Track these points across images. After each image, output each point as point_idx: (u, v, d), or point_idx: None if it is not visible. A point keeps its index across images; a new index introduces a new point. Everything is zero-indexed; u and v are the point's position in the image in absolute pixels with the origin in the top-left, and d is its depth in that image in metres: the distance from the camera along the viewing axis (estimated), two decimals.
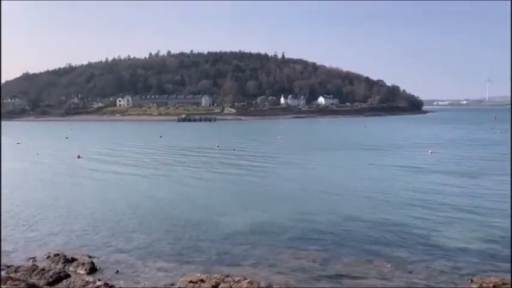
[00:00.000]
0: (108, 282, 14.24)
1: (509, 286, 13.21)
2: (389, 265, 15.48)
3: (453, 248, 17.19)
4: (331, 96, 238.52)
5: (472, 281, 13.88)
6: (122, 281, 14.57)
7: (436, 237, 18.57)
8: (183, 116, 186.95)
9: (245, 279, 14.36)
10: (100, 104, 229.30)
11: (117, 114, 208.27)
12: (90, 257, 16.67)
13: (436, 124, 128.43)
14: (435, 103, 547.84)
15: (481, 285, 13.50)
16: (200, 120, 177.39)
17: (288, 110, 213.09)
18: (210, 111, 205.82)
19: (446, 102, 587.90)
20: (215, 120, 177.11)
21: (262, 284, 14.14)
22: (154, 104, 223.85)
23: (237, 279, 14.36)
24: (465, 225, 20.30)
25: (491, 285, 13.43)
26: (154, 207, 25.07)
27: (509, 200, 24.28)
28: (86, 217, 22.97)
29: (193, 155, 53.02)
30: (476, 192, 27.63)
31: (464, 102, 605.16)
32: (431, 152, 50.39)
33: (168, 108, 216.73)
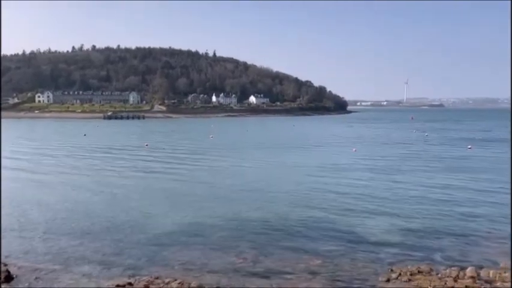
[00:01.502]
0: None
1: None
2: (316, 260, 16.05)
3: (375, 240, 18.25)
4: (262, 95, 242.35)
5: (392, 270, 14.84)
6: None
7: (360, 230, 19.59)
8: (109, 114, 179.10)
9: (175, 280, 14.12)
10: (16, 100, 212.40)
11: (36, 111, 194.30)
12: (5, 265, 15.38)
13: (359, 123, 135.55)
14: (359, 103, 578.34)
15: (400, 273, 14.49)
16: (128, 117, 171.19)
17: (219, 109, 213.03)
18: (138, 109, 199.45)
19: (368, 103, 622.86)
20: (144, 118, 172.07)
21: (193, 284, 13.99)
22: (78, 101, 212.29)
23: (166, 280, 14.07)
24: (385, 218, 21.62)
25: (408, 273, 14.48)
26: (75, 210, 23.73)
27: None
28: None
29: (120, 154, 51.04)
30: (396, 188, 29.55)
31: (385, 103, 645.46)
32: (355, 150, 53.07)
33: (93, 105, 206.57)
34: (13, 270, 14.90)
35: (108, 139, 73.75)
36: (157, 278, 14.34)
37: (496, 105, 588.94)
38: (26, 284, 13.92)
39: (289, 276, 14.61)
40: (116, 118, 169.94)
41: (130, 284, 13.71)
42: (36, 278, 14.45)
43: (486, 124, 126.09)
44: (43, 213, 22.91)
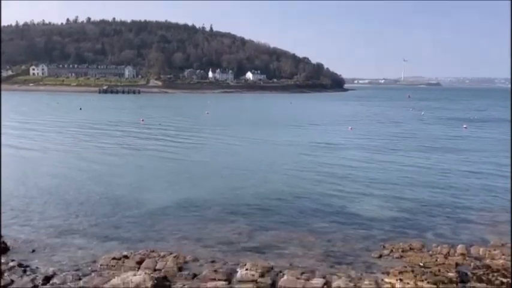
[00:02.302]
0: (23, 262, 13.40)
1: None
2: (310, 236, 16.27)
3: (368, 217, 18.48)
4: (258, 72, 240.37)
5: (384, 247, 15.09)
6: (37, 260, 13.76)
7: (353, 208, 19.82)
8: (104, 88, 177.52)
9: (171, 253, 14.30)
10: (10, 73, 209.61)
11: (31, 84, 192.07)
12: (0, 236, 15.49)
13: (356, 101, 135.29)
14: (356, 81, 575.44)
15: (392, 250, 14.74)
16: (123, 92, 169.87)
17: (216, 85, 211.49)
18: (134, 83, 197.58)
19: (366, 81, 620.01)
20: (139, 92, 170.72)
21: (188, 257, 14.18)
22: (73, 74, 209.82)
23: (162, 254, 14.25)
24: (379, 196, 21.86)
25: (400, 250, 14.74)
26: (72, 184, 23.80)
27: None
28: None
29: (116, 129, 50.88)
30: (390, 167, 29.75)
31: (382, 81, 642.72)
32: (350, 128, 53.15)
33: (88, 78, 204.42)
34: (9, 242, 15.02)
35: (104, 114, 73.32)
36: (152, 251, 14.51)
37: (492, 85, 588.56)
38: (22, 256, 14.05)
39: (283, 251, 14.83)
40: (112, 92, 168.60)
41: (126, 257, 13.87)
42: (32, 250, 14.58)
43: (482, 103, 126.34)
44: (37, 188, 22.95)
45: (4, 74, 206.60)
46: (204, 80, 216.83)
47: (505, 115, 77.01)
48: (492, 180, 25.50)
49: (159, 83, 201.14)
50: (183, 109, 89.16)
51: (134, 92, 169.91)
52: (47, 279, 12.21)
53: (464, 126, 57.29)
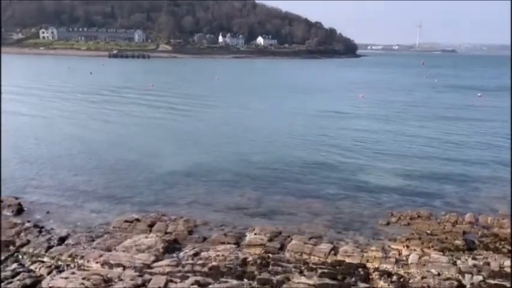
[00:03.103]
0: (38, 223, 13.82)
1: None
2: (318, 202, 16.43)
3: (376, 185, 18.54)
4: (270, 36, 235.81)
5: (392, 214, 15.20)
6: (52, 221, 14.17)
7: (362, 176, 19.86)
8: (114, 52, 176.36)
9: (181, 217, 14.60)
10: (20, 36, 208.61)
11: (41, 48, 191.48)
12: (16, 198, 15.92)
13: (369, 68, 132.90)
14: (369, 47, 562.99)
15: (399, 217, 14.86)
16: (133, 57, 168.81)
17: (226, 50, 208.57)
18: (143, 48, 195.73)
19: (379, 47, 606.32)
20: (149, 57, 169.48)
21: (198, 221, 14.47)
22: (83, 38, 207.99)
23: (173, 217, 14.56)
24: (388, 165, 21.82)
25: (408, 217, 14.84)
26: (85, 148, 24.11)
27: None
28: (10, 158, 21.58)
29: (126, 94, 50.89)
30: (400, 135, 29.53)
31: (396, 47, 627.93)
32: (362, 96, 52.46)
33: (98, 42, 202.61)
34: (25, 204, 15.45)
35: (114, 79, 73.19)
36: (163, 215, 14.82)
37: (510, 52, 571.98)
38: (37, 218, 14.46)
39: (291, 217, 15.04)
40: (122, 57, 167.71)
41: (137, 220, 14.20)
42: (47, 212, 14.98)
43: (498, 71, 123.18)
44: (49, 151, 23.33)
45: (15, 37, 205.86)
46: (214, 45, 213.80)
47: None
48: (503, 152, 25.20)
49: (169, 48, 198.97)
50: (193, 75, 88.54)
51: (144, 57, 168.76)
52: (61, 239, 12.60)
53: (479, 94, 56.19)
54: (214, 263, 10.98)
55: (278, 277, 10.26)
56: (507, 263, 11.16)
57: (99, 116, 34.72)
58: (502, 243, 12.56)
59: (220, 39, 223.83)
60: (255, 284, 9.92)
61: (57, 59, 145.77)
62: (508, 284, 9.84)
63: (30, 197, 16.33)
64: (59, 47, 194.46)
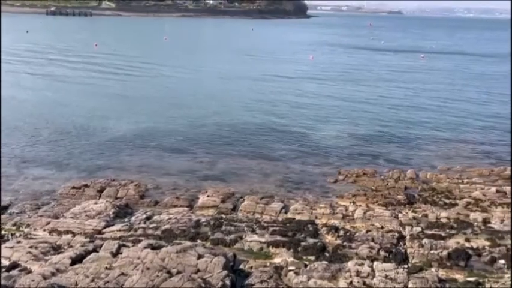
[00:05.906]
0: None
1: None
2: (269, 163, 16.73)
3: (325, 146, 19.12)
4: None
5: (339, 173, 15.83)
6: None
7: (311, 137, 20.38)
8: (52, 9, 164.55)
9: (132, 182, 14.37)
10: None
11: None
12: None
13: (319, 29, 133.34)
14: (319, 8, 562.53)
15: (346, 175, 15.51)
16: (74, 14, 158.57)
17: (174, 8, 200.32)
18: (84, 5, 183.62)
19: (328, 8, 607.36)
20: (91, 15, 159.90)
21: (150, 185, 14.34)
22: None
23: (123, 182, 14.29)
24: (335, 126, 22.51)
25: (354, 175, 15.53)
26: (26, 112, 22.79)
27: None
28: None
29: (68, 54, 48.13)
30: (346, 96, 30.29)
31: (345, 8, 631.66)
32: (312, 58, 52.86)
33: None
34: None
35: (54, 38, 68.66)
36: (113, 180, 14.52)
37: (451, 14, 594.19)
38: None
39: (243, 178, 15.26)
40: (61, 14, 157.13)
41: (86, 185, 13.83)
42: None
43: (441, 33, 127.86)
44: None
45: None
46: (161, 2, 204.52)
47: (461, 47, 78.92)
48: (443, 112, 26.54)
49: (112, 5, 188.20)
50: (140, 34, 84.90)
51: (86, 15, 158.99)
52: (3, 208, 12.06)
53: (422, 56, 58.31)
54: (167, 226, 11.02)
55: (231, 236, 10.50)
56: (443, 214, 12.09)
57: (41, 79, 32.76)
58: (439, 196, 13.51)
59: None
60: (208, 244, 10.10)
61: None
62: (443, 234, 10.69)
63: None
64: None
